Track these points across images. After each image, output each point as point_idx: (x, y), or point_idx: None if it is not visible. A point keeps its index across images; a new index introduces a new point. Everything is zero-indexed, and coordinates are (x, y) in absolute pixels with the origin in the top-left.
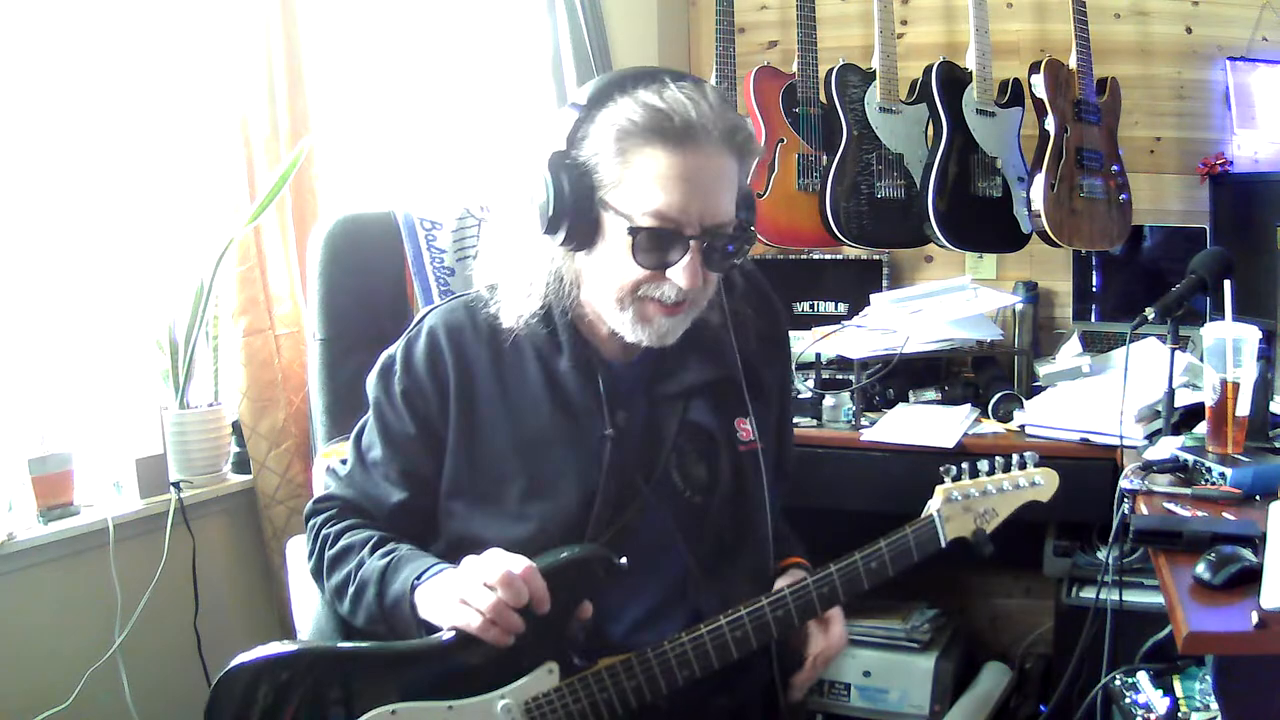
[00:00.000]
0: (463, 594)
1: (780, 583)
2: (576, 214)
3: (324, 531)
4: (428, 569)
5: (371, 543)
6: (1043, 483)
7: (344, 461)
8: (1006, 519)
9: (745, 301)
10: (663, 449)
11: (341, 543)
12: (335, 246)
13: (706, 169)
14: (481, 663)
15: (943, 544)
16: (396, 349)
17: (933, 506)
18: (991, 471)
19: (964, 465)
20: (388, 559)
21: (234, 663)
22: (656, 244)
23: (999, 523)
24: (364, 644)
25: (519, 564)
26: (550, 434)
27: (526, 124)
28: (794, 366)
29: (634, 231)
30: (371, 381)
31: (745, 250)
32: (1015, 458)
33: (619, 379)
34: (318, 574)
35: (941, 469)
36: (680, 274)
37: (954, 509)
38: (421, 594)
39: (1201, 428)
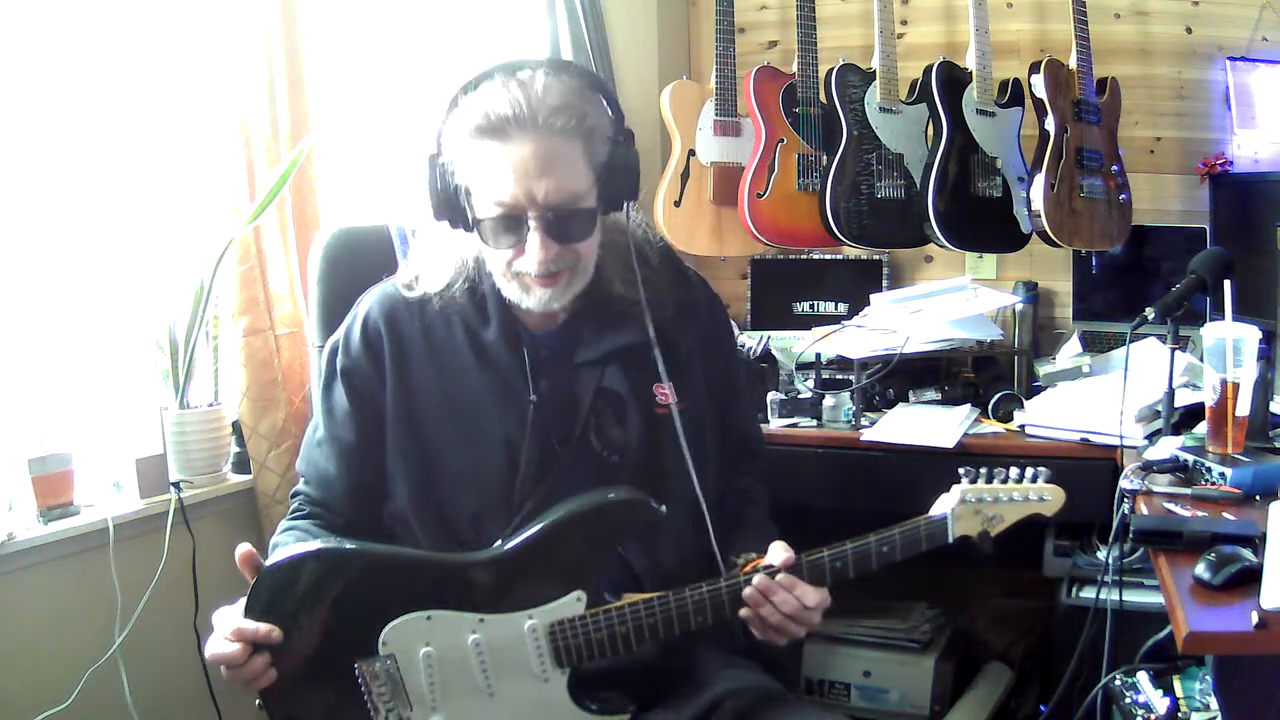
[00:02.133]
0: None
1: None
2: (451, 208)
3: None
4: None
5: None
6: (1050, 499)
7: None
8: (1010, 527)
9: (659, 273)
10: (579, 414)
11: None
12: (332, 257)
13: (532, 155)
14: (514, 583)
15: (950, 539)
16: (338, 333)
17: (947, 504)
18: (1005, 480)
19: (982, 470)
20: None
21: (283, 555)
22: (502, 230)
23: (1004, 528)
24: (408, 551)
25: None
26: (478, 397)
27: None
28: (796, 362)
29: (478, 223)
30: (321, 368)
31: (607, 215)
32: (1029, 470)
33: (542, 346)
34: None
35: (961, 470)
36: (531, 250)
37: (966, 509)
38: None
39: (1201, 428)
